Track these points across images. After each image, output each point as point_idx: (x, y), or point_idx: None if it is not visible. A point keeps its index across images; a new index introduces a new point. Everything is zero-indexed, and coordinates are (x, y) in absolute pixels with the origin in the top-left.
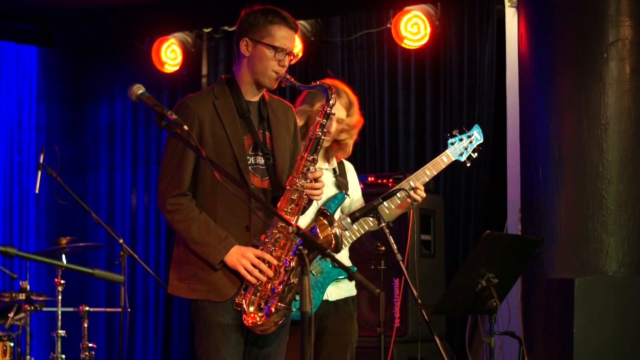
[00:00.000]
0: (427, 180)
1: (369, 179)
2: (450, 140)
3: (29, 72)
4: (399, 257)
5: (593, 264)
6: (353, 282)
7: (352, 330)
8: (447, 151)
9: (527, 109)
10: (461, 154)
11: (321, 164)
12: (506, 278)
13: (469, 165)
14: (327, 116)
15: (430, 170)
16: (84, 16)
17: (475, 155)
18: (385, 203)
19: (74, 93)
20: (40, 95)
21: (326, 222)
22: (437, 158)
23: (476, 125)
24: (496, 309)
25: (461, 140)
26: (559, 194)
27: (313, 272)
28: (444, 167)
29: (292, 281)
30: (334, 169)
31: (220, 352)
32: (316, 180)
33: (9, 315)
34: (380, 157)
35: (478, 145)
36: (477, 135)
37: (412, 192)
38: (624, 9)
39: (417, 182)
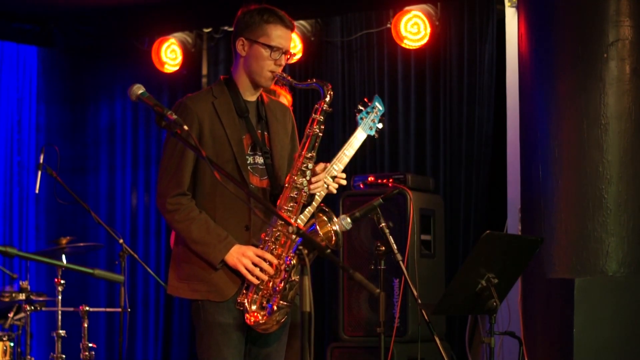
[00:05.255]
0: (347, 161)
1: (369, 179)
2: (359, 117)
3: (29, 72)
4: (399, 257)
5: (593, 264)
6: None
7: None
8: (359, 128)
9: (527, 109)
10: (370, 128)
11: None
12: (506, 278)
13: (376, 137)
14: (324, 113)
15: (348, 150)
16: (84, 16)
17: (381, 126)
18: (317, 195)
19: (74, 93)
20: (40, 95)
21: (325, 219)
22: (352, 137)
23: (376, 96)
24: (496, 309)
25: (368, 114)
26: (559, 194)
27: None
28: (359, 145)
29: (293, 279)
30: None
31: (221, 352)
32: (315, 174)
33: (9, 315)
34: (380, 157)
35: (382, 116)
36: (379, 107)
37: (332, 182)
38: (624, 9)
39: (340, 165)
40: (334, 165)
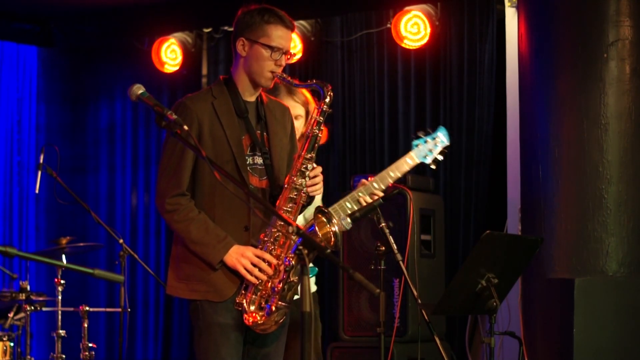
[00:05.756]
0: (391, 182)
1: (369, 179)
2: (414, 142)
3: (29, 72)
4: (399, 257)
5: (593, 264)
6: (312, 280)
7: (316, 327)
8: (411, 153)
9: (527, 109)
10: (425, 156)
11: None
12: (506, 278)
13: (434, 167)
14: (324, 114)
15: (393, 172)
16: (84, 16)
17: (441, 158)
18: (347, 204)
19: (74, 93)
20: (40, 95)
21: (325, 220)
22: (401, 159)
23: (441, 127)
24: (496, 309)
25: (426, 142)
26: (559, 194)
27: None
28: (408, 169)
29: (292, 279)
30: None
31: (219, 352)
32: (315, 176)
33: (9, 315)
34: (380, 157)
35: (444, 148)
36: (442, 138)
37: (368, 198)
38: (624, 9)
39: (380, 184)
40: (374, 183)
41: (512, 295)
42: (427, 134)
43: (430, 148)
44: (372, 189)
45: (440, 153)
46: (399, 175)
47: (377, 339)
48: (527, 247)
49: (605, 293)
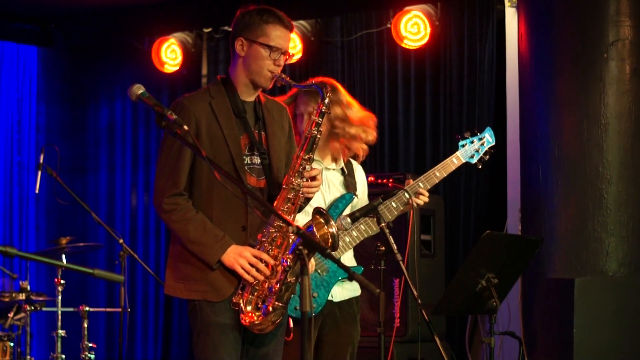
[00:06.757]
0: (437, 182)
1: (369, 179)
2: (460, 142)
3: (29, 72)
4: (399, 257)
5: (593, 264)
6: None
7: (355, 331)
8: (457, 153)
9: (527, 109)
10: (472, 157)
11: (328, 164)
12: (506, 278)
13: (480, 167)
14: (323, 115)
15: (440, 172)
16: (84, 16)
17: (487, 157)
18: (393, 204)
19: (74, 93)
20: (40, 95)
21: (322, 221)
22: (447, 160)
23: (488, 128)
24: (496, 309)
25: (472, 142)
26: (559, 194)
27: (319, 270)
28: (454, 168)
29: (289, 280)
30: (342, 169)
31: (218, 352)
32: (313, 178)
33: (9, 315)
34: (380, 157)
35: (490, 148)
36: (488, 138)
37: (414, 198)
38: (624, 9)
39: (426, 184)
40: (420, 183)
41: (512, 295)
42: (473, 134)
43: (476, 148)
44: (417, 188)
45: (486, 153)
46: (444, 175)
47: (377, 339)
48: (527, 247)
49: (605, 293)
